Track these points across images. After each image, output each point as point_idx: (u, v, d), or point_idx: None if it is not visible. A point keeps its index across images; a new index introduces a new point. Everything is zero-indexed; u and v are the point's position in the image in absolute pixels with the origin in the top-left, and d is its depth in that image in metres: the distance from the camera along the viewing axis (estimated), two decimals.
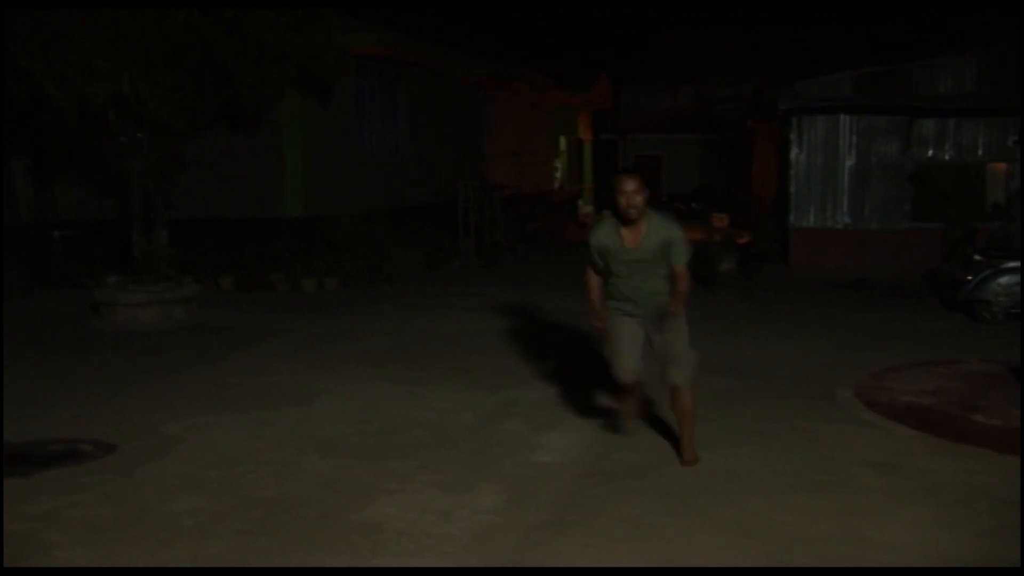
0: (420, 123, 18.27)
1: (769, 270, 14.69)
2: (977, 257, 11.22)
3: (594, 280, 5.78)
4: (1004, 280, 10.61)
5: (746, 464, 5.64)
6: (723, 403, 7.09)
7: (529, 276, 15.34)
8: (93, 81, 10.30)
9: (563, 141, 29.06)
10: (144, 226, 11.72)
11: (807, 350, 9.09)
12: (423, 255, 15.93)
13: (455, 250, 16.75)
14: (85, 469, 5.63)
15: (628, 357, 5.69)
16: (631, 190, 5.31)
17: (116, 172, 12.52)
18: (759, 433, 6.30)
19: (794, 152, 15.17)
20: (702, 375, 7.94)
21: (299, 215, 14.83)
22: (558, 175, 28.54)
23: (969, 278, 10.81)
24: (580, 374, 8.02)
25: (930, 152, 14.80)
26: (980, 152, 14.70)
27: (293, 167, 14.82)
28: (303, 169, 14.88)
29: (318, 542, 4.52)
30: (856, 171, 14.99)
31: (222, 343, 9.58)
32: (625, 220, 5.39)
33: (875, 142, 14.96)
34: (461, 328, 10.28)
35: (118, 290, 10.96)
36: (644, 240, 5.43)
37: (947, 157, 14.77)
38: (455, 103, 20.12)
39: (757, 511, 4.88)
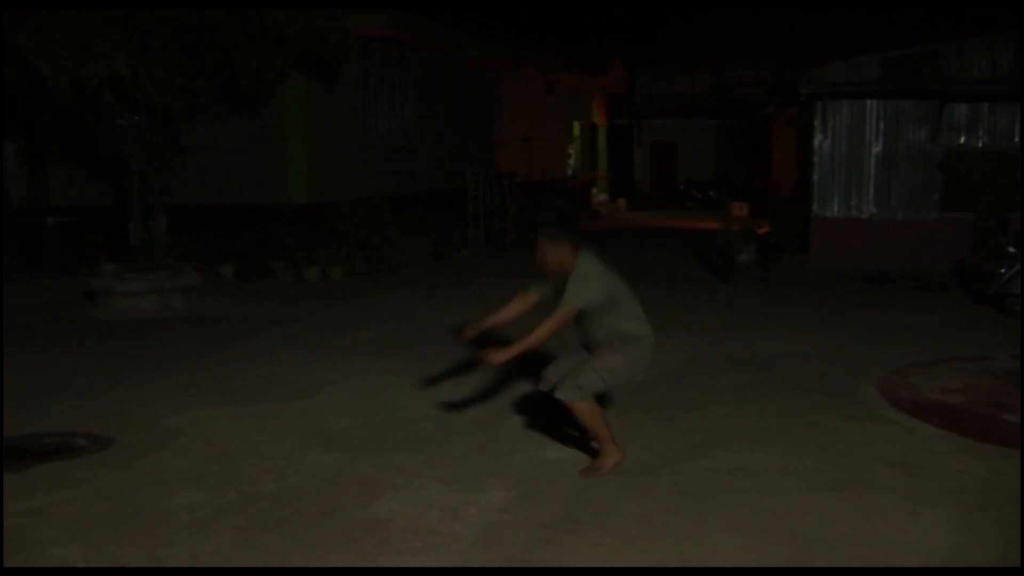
0: (428, 108, 18.27)
1: (789, 261, 14.66)
2: (1010, 249, 11.15)
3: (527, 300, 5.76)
4: None
5: (762, 461, 5.64)
6: (740, 398, 7.09)
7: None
8: (88, 61, 10.33)
9: (577, 126, 29.01)
10: (142, 212, 11.77)
11: (828, 344, 9.07)
12: (430, 244, 15.95)
13: (463, 239, 16.77)
14: (80, 463, 5.66)
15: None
16: (540, 253, 5.46)
17: (112, 156, 12.58)
18: (776, 430, 6.30)
19: (817, 139, 15.11)
20: (717, 369, 7.99)
21: (303, 202, 14.86)
22: (571, 162, 28.51)
23: (1002, 271, 10.74)
24: None
25: (962, 139, 14.71)
26: (1016, 138, 14.58)
27: (297, 152, 14.84)
28: (307, 154, 14.91)
29: (321, 539, 4.55)
30: (882, 159, 14.92)
31: (223, 333, 9.62)
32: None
33: (903, 128, 14.87)
34: (469, 319, 10.28)
35: (115, 278, 11.01)
36: None
37: (980, 144, 14.66)
38: (464, 87, 20.12)
39: (773, 510, 4.88)
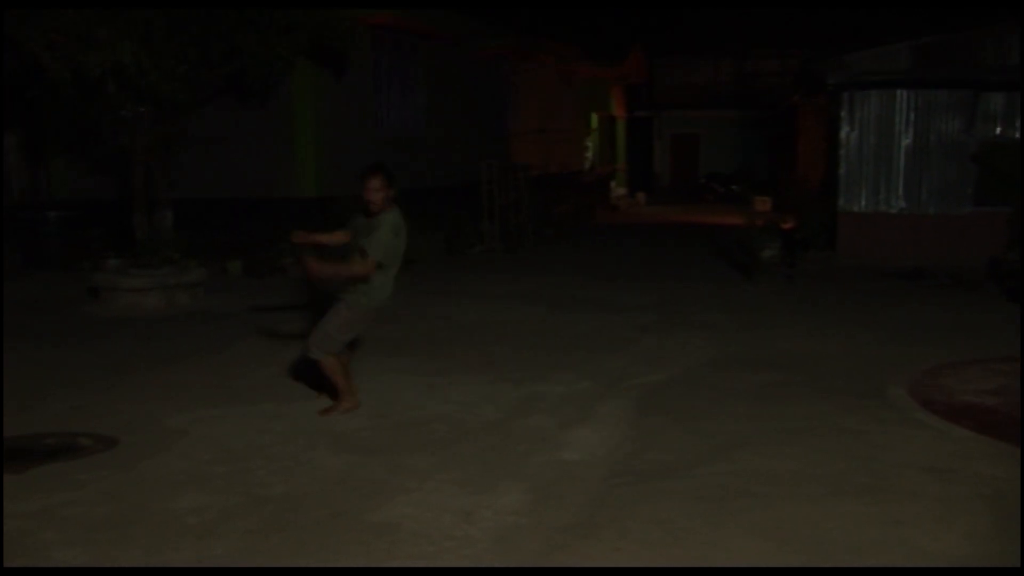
0: (440, 98, 18.28)
1: (815, 257, 14.60)
2: None
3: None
4: None
5: (787, 465, 5.62)
6: (763, 399, 7.07)
7: (556, 262, 15.35)
8: (90, 50, 10.36)
9: (594, 118, 28.96)
10: (146, 206, 11.83)
11: (856, 344, 9.03)
12: (443, 239, 15.96)
13: (478, 234, 16.78)
14: (83, 464, 5.70)
15: None
16: (373, 187, 6.29)
17: (116, 149, 12.63)
18: (801, 432, 6.27)
19: (844, 130, 15.03)
20: (740, 369, 7.96)
21: (312, 195, 14.90)
22: (589, 154, 28.46)
23: None
24: (610, 367, 8.03)
25: (998, 129, 14.58)
26: None
27: (305, 145, 14.88)
28: (316, 147, 14.94)
29: (330, 543, 4.57)
30: (913, 151, 14.82)
31: (229, 331, 9.66)
32: (367, 213, 6.42)
33: (935, 119, 14.76)
34: (483, 317, 10.32)
35: (119, 274, 11.07)
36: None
37: (1017, 135, 14.53)
38: (478, 77, 20.11)
39: (798, 516, 4.87)
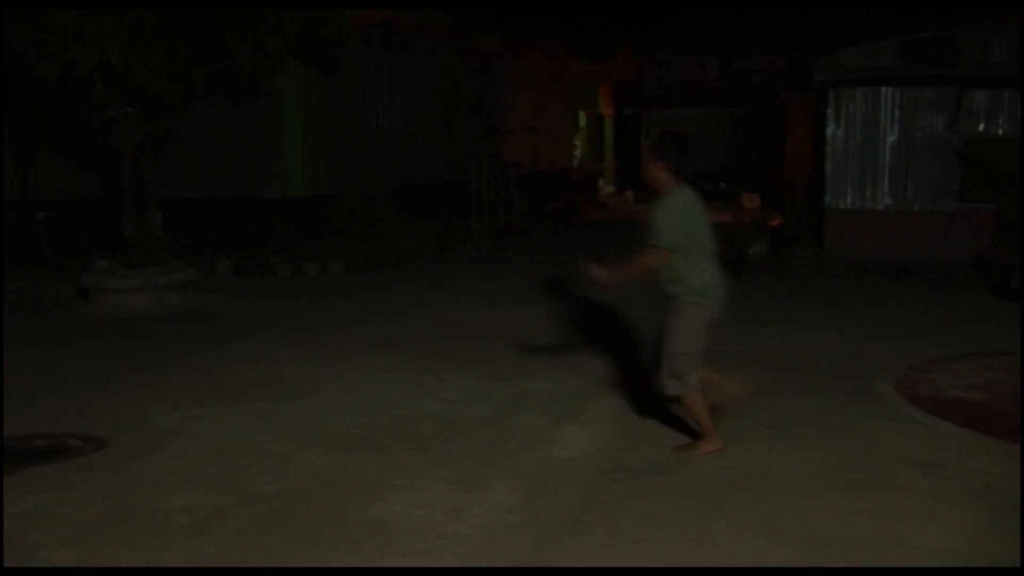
0: (430, 96, 18.24)
1: (803, 254, 14.63)
2: None
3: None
4: None
5: (777, 461, 5.63)
6: (752, 396, 7.06)
7: (545, 260, 15.33)
8: (78, 49, 10.30)
9: (583, 116, 28.97)
10: (135, 206, 11.76)
11: (843, 340, 9.05)
12: (433, 237, 15.94)
13: (467, 232, 16.76)
14: (73, 465, 5.67)
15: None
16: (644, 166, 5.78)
17: (105, 148, 12.57)
18: (791, 428, 6.29)
19: (831, 127, 15.06)
20: (729, 365, 7.94)
21: (301, 194, 14.85)
22: (577, 152, 28.45)
23: None
24: (601, 364, 8.03)
25: (981, 126, 14.64)
26: None
27: (295, 143, 14.82)
28: (306, 145, 14.88)
29: (322, 541, 4.55)
30: (899, 147, 14.86)
31: (219, 330, 9.63)
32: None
33: (920, 116, 14.80)
34: (474, 315, 10.30)
35: (108, 274, 11.03)
36: None
37: (1000, 132, 14.59)
38: (468, 75, 20.08)
39: (789, 512, 4.88)
